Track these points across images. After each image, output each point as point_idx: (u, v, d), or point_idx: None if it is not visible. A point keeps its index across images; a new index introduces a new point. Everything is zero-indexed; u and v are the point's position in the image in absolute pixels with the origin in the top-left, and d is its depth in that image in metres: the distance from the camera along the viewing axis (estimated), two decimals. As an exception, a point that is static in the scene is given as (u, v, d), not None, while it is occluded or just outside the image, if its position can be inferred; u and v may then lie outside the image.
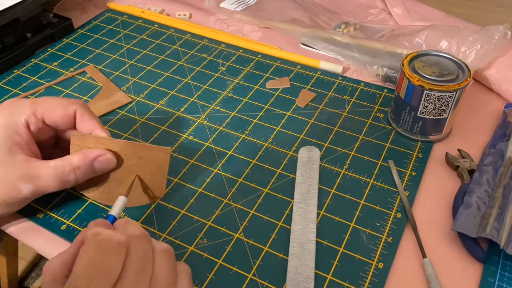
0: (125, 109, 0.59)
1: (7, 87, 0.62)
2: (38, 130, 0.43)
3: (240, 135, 0.55)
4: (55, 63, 0.66)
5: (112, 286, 0.30)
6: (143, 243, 0.34)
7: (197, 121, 0.57)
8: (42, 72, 0.65)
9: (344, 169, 0.51)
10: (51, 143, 0.48)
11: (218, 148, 0.53)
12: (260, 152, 0.53)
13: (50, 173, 0.41)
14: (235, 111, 0.58)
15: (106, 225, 0.35)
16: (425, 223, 0.46)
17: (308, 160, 0.51)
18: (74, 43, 0.70)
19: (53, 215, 0.46)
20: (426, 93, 0.49)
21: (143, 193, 0.45)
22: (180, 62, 0.67)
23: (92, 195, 0.46)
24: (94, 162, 0.42)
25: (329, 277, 0.41)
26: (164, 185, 0.45)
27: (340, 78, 0.63)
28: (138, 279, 0.32)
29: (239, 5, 0.77)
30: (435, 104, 0.50)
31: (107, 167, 0.43)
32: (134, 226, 0.35)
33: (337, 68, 0.64)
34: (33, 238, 0.45)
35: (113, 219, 0.38)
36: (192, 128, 0.56)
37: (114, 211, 0.39)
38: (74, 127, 0.45)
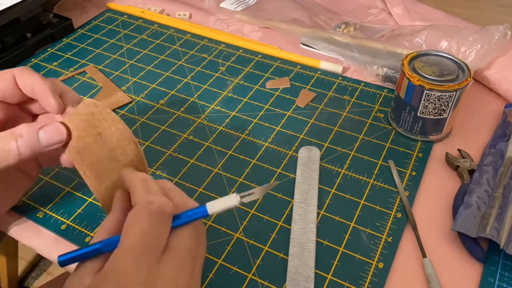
0: (125, 109, 0.59)
1: (7, 87, 0.62)
2: None
3: (240, 135, 0.55)
4: (55, 63, 0.66)
5: (161, 254, 0.31)
6: (198, 223, 0.34)
7: (197, 121, 0.57)
8: (42, 72, 0.65)
9: (344, 169, 0.51)
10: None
11: (218, 148, 0.53)
12: (260, 152, 0.53)
13: None
14: (235, 111, 0.58)
15: (153, 185, 0.34)
16: (425, 223, 0.46)
17: (308, 160, 0.51)
18: (74, 43, 0.70)
19: (53, 215, 0.46)
20: (426, 93, 0.49)
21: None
22: (180, 62, 0.67)
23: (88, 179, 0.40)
24: (40, 130, 0.38)
25: (329, 277, 0.41)
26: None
27: (340, 78, 0.63)
28: (188, 258, 0.32)
29: (239, 5, 0.77)
30: (435, 104, 0.50)
31: (54, 138, 0.38)
32: (180, 194, 0.35)
33: (337, 68, 0.64)
34: (33, 238, 0.45)
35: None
36: (192, 128, 0.56)
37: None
38: (27, 98, 0.41)
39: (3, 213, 0.45)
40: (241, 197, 0.33)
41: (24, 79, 0.39)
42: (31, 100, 0.41)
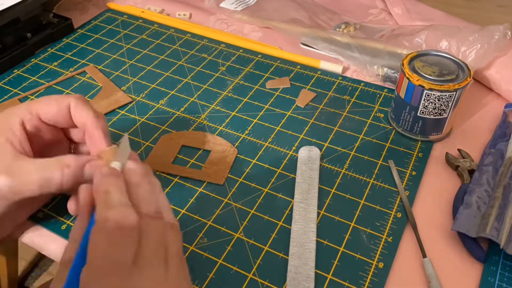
0: (125, 109, 0.59)
1: (7, 87, 0.62)
2: (35, 128, 0.41)
3: (240, 135, 0.55)
4: (55, 63, 0.66)
5: (131, 265, 0.30)
6: (155, 221, 0.33)
7: (197, 121, 0.57)
8: (42, 72, 0.65)
9: (344, 168, 0.51)
10: (63, 150, 0.45)
11: (218, 148, 0.53)
12: (260, 152, 0.53)
13: (34, 168, 0.37)
14: (235, 111, 0.58)
15: (116, 177, 0.34)
16: (425, 223, 0.46)
17: (308, 160, 0.51)
18: (74, 43, 0.70)
19: (53, 214, 0.46)
20: (426, 93, 0.49)
21: None
22: (180, 62, 0.67)
23: None
24: (86, 165, 0.38)
25: (329, 276, 0.41)
26: None
27: (340, 78, 0.63)
28: (154, 256, 0.32)
29: (239, 5, 0.77)
30: (435, 104, 0.50)
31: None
32: (146, 190, 0.35)
33: (337, 68, 0.64)
34: (33, 238, 0.45)
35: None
36: (192, 127, 0.56)
37: (121, 158, 0.37)
38: (74, 125, 0.43)
39: (22, 221, 0.45)
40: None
41: (79, 112, 0.41)
42: (75, 126, 0.43)
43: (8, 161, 0.38)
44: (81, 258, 0.32)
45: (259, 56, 0.68)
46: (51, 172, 0.37)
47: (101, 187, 0.34)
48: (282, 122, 0.57)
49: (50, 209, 0.47)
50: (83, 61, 0.67)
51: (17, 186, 0.37)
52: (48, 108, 0.41)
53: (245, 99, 0.60)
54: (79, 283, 0.30)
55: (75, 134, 0.44)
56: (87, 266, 0.30)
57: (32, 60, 0.67)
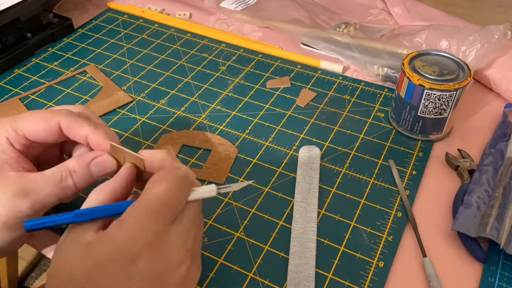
0: (126, 109, 0.59)
1: (8, 87, 0.62)
2: (24, 146, 0.40)
3: (240, 134, 0.55)
4: (56, 63, 0.66)
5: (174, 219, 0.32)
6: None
7: (197, 120, 0.57)
8: (42, 72, 0.65)
9: (344, 168, 0.51)
10: (59, 157, 0.44)
11: (219, 148, 0.54)
12: (261, 152, 0.53)
13: (46, 182, 0.37)
14: (236, 111, 0.58)
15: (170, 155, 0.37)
16: (425, 223, 0.46)
17: (309, 159, 0.51)
18: (74, 42, 0.70)
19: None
20: (426, 92, 0.49)
21: None
22: (180, 62, 0.67)
23: None
24: (91, 164, 0.38)
25: (329, 276, 0.41)
26: None
27: (340, 77, 0.64)
28: (194, 222, 0.34)
29: (239, 5, 0.77)
30: (435, 104, 0.50)
31: (106, 169, 0.39)
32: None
33: (338, 68, 0.64)
34: (33, 237, 0.45)
35: None
36: (192, 127, 0.56)
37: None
38: (68, 139, 0.41)
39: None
40: (219, 188, 0.35)
41: (75, 130, 0.39)
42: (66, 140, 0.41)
43: (16, 183, 0.37)
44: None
45: (260, 55, 0.68)
46: (63, 182, 0.38)
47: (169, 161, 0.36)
48: (282, 122, 0.57)
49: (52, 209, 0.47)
50: (84, 61, 0.67)
51: (38, 204, 0.37)
52: (34, 127, 0.39)
53: (246, 99, 0.60)
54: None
55: (67, 145, 0.43)
56: (143, 197, 0.32)
57: (33, 59, 0.67)
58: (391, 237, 0.44)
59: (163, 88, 0.62)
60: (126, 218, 0.31)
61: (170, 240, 0.31)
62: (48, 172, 0.38)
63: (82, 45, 0.70)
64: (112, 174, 0.38)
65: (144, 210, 0.31)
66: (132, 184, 0.36)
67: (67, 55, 0.68)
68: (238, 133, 0.55)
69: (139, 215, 0.31)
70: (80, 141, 0.40)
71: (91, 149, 0.40)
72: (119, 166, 0.39)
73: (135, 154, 0.37)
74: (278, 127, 0.56)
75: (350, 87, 0.62)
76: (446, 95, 0.49)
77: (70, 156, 0.42)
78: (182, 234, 0.32)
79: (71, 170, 0.38)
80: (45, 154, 0.43)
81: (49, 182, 0.37)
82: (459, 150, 0.52)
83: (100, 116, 0.57)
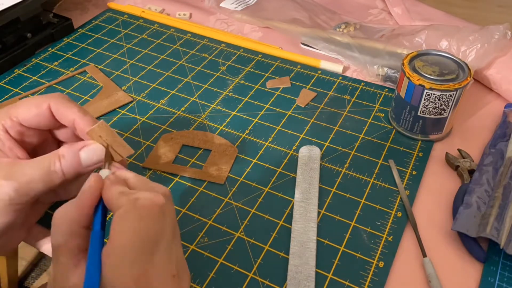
0: (126, 109, 0.59)
1: (8, 87, 0.62)
2: (19, 134, 0.40)
3: (240, 134, 0.55)
4: (56, 63, 0.66)
5: (155, 244, 0.31)
6: (171, 202, 0.34)
7: (197, 120, 0.57)
8: (42, 72, 0.65)
9: (344, 168, 0.51)
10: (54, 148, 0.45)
11: (219, 148, 0.53)
12: (261, 152, 0.53)
13: (32, 166, 0.38)
14: (236, 111, 0.58)
15: (122, 183, 0.35)
16: (425, 223, 0.46)
17: (309, 159, 0.51)
18: (74, 42, 0.70)
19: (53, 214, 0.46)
20: (426, 92, 0.49)
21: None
22: (180, 62, 0.67)
23: None
24: (80, 151, 0.38)
25: (329, 276, 0.41)
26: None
27: (340, 77, 0.64)
28: (172, 239, 0.33)
29: (239, 5, 0.77)
30: (435, 104, 0.50)
31: (94, 157, 0.39)
32: (157, 184, 0.35)
33: (338, 68, 0.64)
34: (33, 237, 0.45)
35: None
36: (192, 127, 0.56)
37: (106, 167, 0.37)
38: (60, 124, 0.42)
39: (32, 226, 0.45)
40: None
41: (62, 112, 0.40)
42: (61, 126, 0.42)
43: (4, 168, 0.37)
44: (98, 242, 0.32)
45: (260, 55, 0.68)
46: (51, 166, 0.38)
47: (117, 179, 0.35)
48: (282, 122, 0.57)
49: (49, 208, 0.47)
50: (84, 61, 0.67)
51: (23, 187, 0.37)
52: (27, 112, 0.40)
53: (246, 99, 0.60)
54: (100, 265, 0.30)
55: (61, 134, 0.43)
56: (112, 244, 0.31)
57: (33, 59, 0.67)
58: (391, 237, 0.44)
59: (163, 88, 0.62)
60: (105, 276, 0.30)
61: (155, 276, 0.31)
62: (37, 158, 0.39)
63: (82, 45, 0.70)
64: (100, 164, 0.39)
65: (119, 254, 0.30)
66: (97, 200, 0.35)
67: (67, 55, 0.68)
68: (238, 133, 0.55)
69: (117, 259, 0.30)
70: (67, 125, 0.40)
71: (79, 139, 0.41)
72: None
73: (124, 142, 0.38)
74: (278, 127, 0.56)
75: (350, 87, 0.62)
76: (446, 95, 0.49)
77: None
78: (165, 264, 0.32)
79: (60, 154, 0.38)
80: (42, 150, 0.43)
81: (36, 166, 0.38)
82: (459, 150, 0.52)
83: (100, 116, 0.57)
